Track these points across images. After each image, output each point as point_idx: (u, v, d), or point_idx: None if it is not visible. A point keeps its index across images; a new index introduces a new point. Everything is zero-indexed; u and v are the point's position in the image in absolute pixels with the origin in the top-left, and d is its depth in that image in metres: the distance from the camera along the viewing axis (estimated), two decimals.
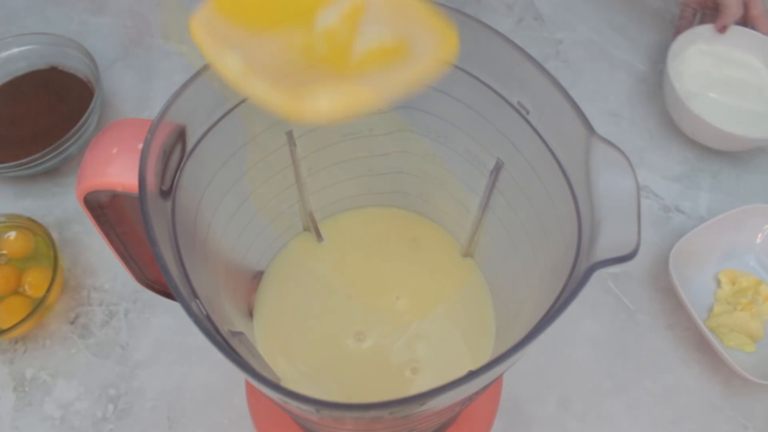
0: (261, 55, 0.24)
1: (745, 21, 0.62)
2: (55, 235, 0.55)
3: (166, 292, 0.39)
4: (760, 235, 0.54)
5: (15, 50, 0.62)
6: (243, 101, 0.32)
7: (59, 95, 0.62)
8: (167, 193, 0.28)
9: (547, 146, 0.31)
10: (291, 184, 0.40)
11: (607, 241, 0.26)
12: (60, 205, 0.59)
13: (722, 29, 0.62)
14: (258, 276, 0.43)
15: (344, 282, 0.43)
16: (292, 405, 0.25)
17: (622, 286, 0.54)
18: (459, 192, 0.40)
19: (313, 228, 0.44)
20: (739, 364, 0.47)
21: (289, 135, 0.37)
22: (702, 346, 0.51)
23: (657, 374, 0.51)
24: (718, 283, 0.53)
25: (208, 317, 0.27)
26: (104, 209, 0.31)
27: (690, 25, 0.65)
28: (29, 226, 0.54)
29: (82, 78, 0.62)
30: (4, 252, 0.54)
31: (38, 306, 0.50)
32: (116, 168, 0.28)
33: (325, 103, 0.23)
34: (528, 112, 0.31)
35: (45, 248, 0.54)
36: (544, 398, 0.50)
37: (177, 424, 0.49)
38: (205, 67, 0.29)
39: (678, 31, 0.64)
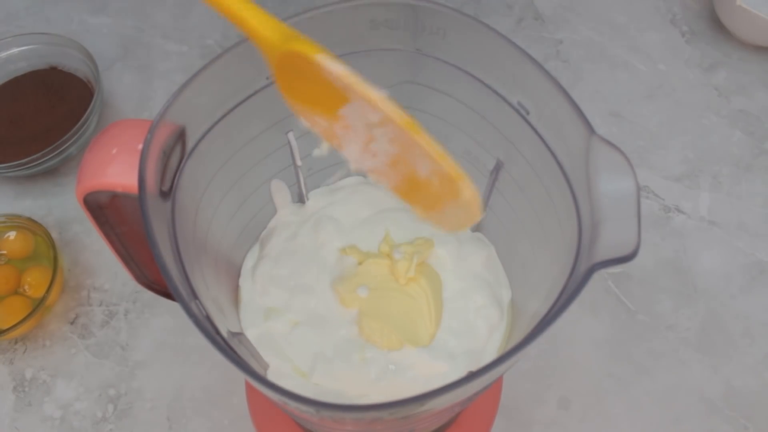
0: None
1: None
2: (54, 235, 0.55)
3: (166, 292, 0.39)
4: None
5: (15, 50, 0.62)
6: (243, 101, 0.32)
7: (59, 95, 0.62)
8: (167, 193, 0.28)
9: (547, 146, 0.31)
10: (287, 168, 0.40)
11: (607, 242, 0.26)
12: (60, 205, 0.59)
13: None
14: None
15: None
16: (292, 405, 0.25)
17: (623, 286, 0.54)
18: None
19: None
20: None
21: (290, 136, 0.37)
22: (702, 347, 0.51)
23: (657, 374, 0.51)
24: None
25: (207, 318, 0.27)
26: (104, 210, 0.31)
27: None
28: (29, 226, 0.54)
29: (82, 78, 0.62)
30: (4, 252, 0.54)
31: (38, 306, 0.50)
32: (116, 169, 0.28)
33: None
34: (528, 113, 0.31)
35: (45, 248, 0.54)
36: (545, 398, 0.50)
37: (177, 425, 0.49)
38: (205, 68, 0.29)
39: None
